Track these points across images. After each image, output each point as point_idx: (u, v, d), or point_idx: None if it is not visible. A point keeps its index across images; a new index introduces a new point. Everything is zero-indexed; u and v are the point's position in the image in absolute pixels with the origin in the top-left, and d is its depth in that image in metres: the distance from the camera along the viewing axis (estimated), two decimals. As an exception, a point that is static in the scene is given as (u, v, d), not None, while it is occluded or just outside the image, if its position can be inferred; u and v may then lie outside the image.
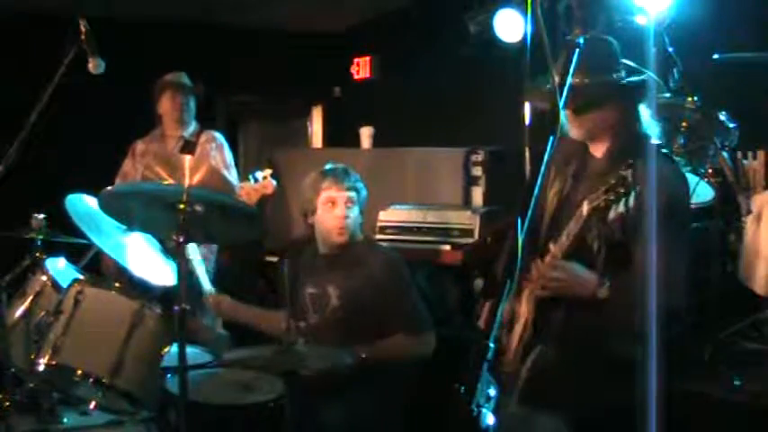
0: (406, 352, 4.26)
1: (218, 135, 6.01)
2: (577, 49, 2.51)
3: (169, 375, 3.91)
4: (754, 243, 4.77)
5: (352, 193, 4.33)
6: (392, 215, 5.76)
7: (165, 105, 5.91)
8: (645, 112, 3.36)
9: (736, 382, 4.05)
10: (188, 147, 5.83)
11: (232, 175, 5.81)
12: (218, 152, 5.91)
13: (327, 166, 4.41)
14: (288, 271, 3.99)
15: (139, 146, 6.02)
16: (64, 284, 4.00)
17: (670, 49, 4.72)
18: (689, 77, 4.72)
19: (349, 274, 4.32)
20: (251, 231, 3.88)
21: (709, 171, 4.51)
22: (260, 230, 3.77)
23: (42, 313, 3.89)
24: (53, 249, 4.44)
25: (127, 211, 3.68)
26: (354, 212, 4.34)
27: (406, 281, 4.33)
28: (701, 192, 4.60)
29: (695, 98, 4.58)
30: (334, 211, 4.30)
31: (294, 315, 4.03)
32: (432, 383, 4.67)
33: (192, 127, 5.96)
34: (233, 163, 5.99)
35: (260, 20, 8.96)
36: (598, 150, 3.43)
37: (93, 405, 3.89)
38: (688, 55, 4.80)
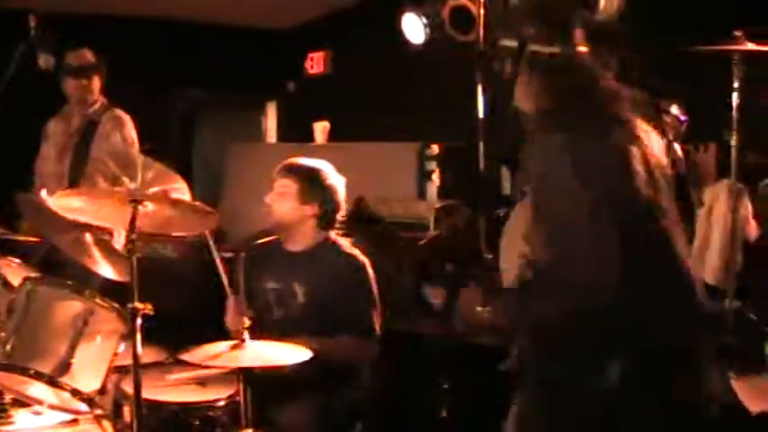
0: (350, 354, 4.27)
1: (120, 113, 6.02)
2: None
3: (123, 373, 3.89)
4: (706, 235, 4.83)
5: (284, 181, 4.37)
6: (347, 209, 5.77)
7: (67, 87, 5.91)
8: None
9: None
10: (91, 128, 5.89)
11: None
12: (119, 131, 5.95)
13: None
14: (245, 266, 3.98)
15: (51, 126, 6.07)
16: (15, 283, 3.96)
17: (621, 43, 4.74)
18: (640, 71, 4.74)
19: (314, 272, 4.32)
20: (205, 227, 3.87)
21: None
22: (214, 226, 3.76)
23: (-6, 312, 3.86)
24: (5, 247, 4.41)
25: (79, 209, 3.65)
26: (283, 202, 4.35)
27: (364, 285, 4.33)
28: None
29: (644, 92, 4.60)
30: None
31: (255, 309, 4.02)
32: (388, 377, 4.71)
33: (98, 105, 5.99)
34: (133, 141, 5.99)
35: (215, 14, 8.94)
36: None
37: (46, 405, 3.86)
38: (639, 48, 4.83)
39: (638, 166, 2.82)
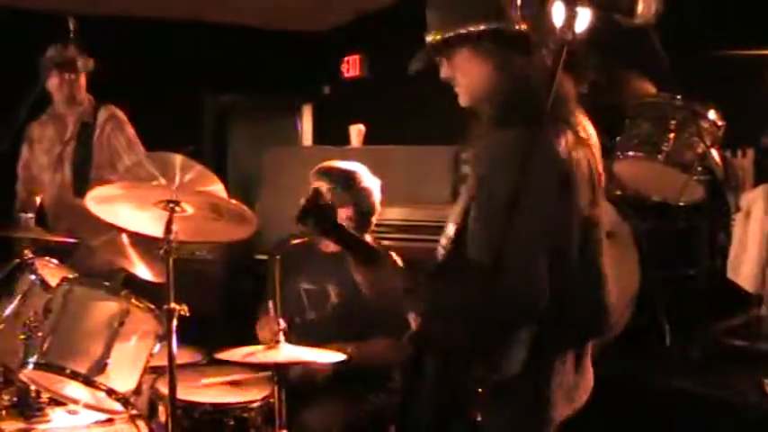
0: (386, 357, 4.25)
1: (116, 111, 5.72)
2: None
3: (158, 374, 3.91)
4: (743, 240, 4.79)
5: (318, 183, 4.37)
6: (382, 213, 5.78)
7: (54, 84, 5.52)
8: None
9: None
10: (87, 130, 5.59)
11: (136, 153, 5.58)
12: (120, 131, 5.65)
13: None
14: (279, 267, 3.98)
15: (35, 130, 5.71)
16: (53, 283, 3.99)
17: (658, 47, 4.72)
18: (678, 75, 4.72)
19: (347, 274, 4.32)
20: (243, 231, 3.86)
21: (699, 169, 4.51)
22: (253, 230, 3.74)
23: (31, 312, 3.88)
24: (42, 248, 4.44)
25: (116, 210, 3.67)
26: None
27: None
28: (691, 190, 4.62)
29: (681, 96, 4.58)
30: None
31: (289, 311, 4.03)
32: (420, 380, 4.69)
33: (86, 103, 5.66)
34: (137, 139, 5.69)
35: (252, 18, 8.96)
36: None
37: (82, 404, 3.88)
38: (677, 52, 4.81)
39: (579, 173, 2.77)
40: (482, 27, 2.83)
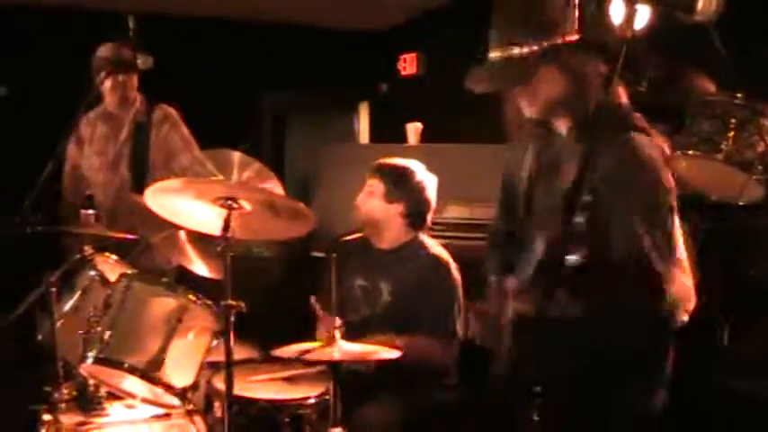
0: (430, 357, 4.24)
1: (171, 110, 5.58)
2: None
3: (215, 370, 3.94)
4: (803, 240, 4.73)
5: (371, 181, 4.46)
6: (439, 211, 5.77)
7: (106, 84, 5.38)
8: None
9: None
10: (141, 131, 5.47)
11: (193, 152, 5.49)
12: (175, 131, 5.52)
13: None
14: (336, 265, 4.00)
15: (85, 129, 5.58)
16: (112, 279, 4.03)
17: (719, 45, 4.67)
18: (738, 73, 4.66)
19: (399, 271, 4.34)
20: (301, 228, 3.87)
21: (759, 168, 4.46)
22: (310, 227, 3.75)
23: (91, 308, 3.93)
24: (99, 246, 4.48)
25: (175, 207, 3.70)
26: (371, 201, 4.45)
27: (447, 287, 4.31)
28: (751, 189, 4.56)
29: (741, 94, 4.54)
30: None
31: (344, 307, 4.05)
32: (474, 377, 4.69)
33: (139, 104, 5.53)
34: (191, 138, 5.54)
35: (307, 16, 8.99)
36: (562, 127, 3.09)
37: (139, 398, 3.92)
38: (737, 49, 4.75)
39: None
40: (563, 40, 2.83)
